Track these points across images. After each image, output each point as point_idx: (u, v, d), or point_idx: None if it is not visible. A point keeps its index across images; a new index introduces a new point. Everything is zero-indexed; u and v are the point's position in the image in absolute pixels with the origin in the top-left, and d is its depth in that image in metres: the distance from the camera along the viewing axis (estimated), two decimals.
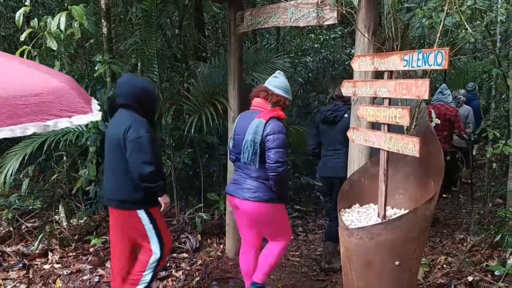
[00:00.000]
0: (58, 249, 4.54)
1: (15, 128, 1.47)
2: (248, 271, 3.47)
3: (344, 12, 3.26)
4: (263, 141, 3.14)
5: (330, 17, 3.38)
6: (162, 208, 3.29)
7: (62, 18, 3.56)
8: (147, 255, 3.26)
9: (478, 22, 5.58)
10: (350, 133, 2.96)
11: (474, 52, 8.26)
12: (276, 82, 3.43)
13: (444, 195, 6.08)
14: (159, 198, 3.23)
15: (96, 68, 4.55)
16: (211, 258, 4.49)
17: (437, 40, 3.60)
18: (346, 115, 4.02)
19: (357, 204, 2.96)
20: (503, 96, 6.60)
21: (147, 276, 3.28)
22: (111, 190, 3.25)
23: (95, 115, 1.66)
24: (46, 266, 4.23)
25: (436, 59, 2.30)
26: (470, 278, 3.58)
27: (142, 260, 3.28)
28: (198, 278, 4.05)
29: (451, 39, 4.75)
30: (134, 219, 3.21)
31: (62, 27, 3.54)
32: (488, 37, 5.71)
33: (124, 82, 3.32)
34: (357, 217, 2.77)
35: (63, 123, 1.61)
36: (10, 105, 1.47)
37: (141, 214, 3.20)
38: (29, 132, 1.51)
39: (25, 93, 1.54)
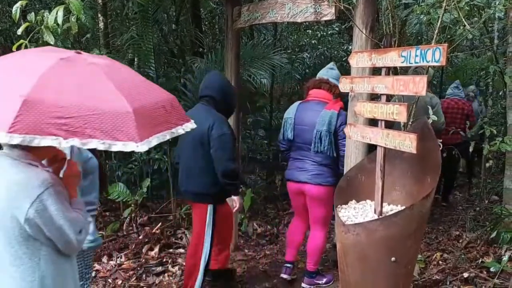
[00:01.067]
0: None
1: (159, 135, 1.62)
2: (293, 242, 3.88)
3: (342, 8, 3.26)
4: (336, 130, 3.45)
5: (328, 12, 3.37)
6: (237, 208, 3.45)
7: (59, 12, 3.53)
8: (197, 253, 3.39)
9: (476, 18, 5.58)
10: (347, 130, 2.96)
11: (471, 49, 8.25)
12: (334, 74, 3.72)
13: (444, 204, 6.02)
14: (235, 197, 3.39)
15: None
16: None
17: (435, 36, 3.60)
18: None
19: (354, 200, 2.97)
20: (500, 93, 6.61)
21: (200, 275, 3.40)
22: (189, 183, 3.37)
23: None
24: None
25: (434, 55, 2.30)
26: (465, 275, 3.60)
27: (195, 257, 3.41)
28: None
29: (449, 36, 4.74)
30: (203, 212, 3.34)
31: (60, 21, 3.50)
32: (486, 34, 5.72)
33: (211, 77, 3.52)
34: (353, 213, 2.77)
35: (179, 130, 1.77)
36: (149, 116, 1.63)
37: (210, 208, 3.33)
38: (164, 139, 1.65)
39: (154, 104, 1.70)
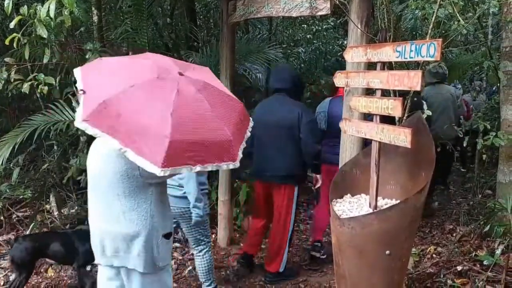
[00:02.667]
0: None
1: (241, 147, 2.07)
2: (320, 223, 4.29)
3: (337, 2, 3.25)
4: None
5: (323, 7, 3.37)
6: (319, 184, 3.93)
7: (51, 5, 3.50)
8: (286, 229, 3.80)
9: (470, 14, 5.60)
10: (342, 124, 2.97)
11: (466, 44, 8.28)
12: None
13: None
14: (318, 176, 3.92)
15: (86, 56, 4.50)
16: None
17: (429, 31, 3.61)
18: None
19: (349, 194, 2.98)
20: (494, 88, 6.65)
21: (286, 251, 3.86)
22: (275, 167, 3.69)
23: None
24: None
25: (429, 50, 2.31)
26: (459, 268, 3.63)
27: (283, 233, 3.82)
28: (190, 268, 4.06)
29: (443, 31, 4.76)
30: (290, 193, 3.76)
31: (52, 14, 3.48)
32: (480, 29, 5.74)
33: (282, 71, 4.00)
34: (348, 207, 2.78)
35: (247, 133, 2.20)
36: (237, 133, 2.08)
37: (296, 189, 3.78)
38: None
39: (238, 121, 2.12)
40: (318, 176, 3.94)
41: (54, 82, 4.16)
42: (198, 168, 1.90)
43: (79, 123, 1.88)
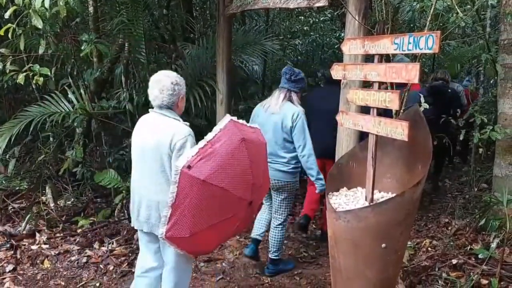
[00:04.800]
0: (46, 230, 4.52)
1: None
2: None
3: None
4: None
5: None
6: None
7: None
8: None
9: (468, 6, 5.57)
10: (339, 117, 2.96)
11: (463, 37, 8.26)
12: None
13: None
14: None
15: (82, 47, 4.46)
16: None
17: (427, 23, 3.59)
18: None
19: (345, 188, 2.97)
20: (491, 81, 6.64)
21: None
22: (325, 144, 3.97)
23: None
24: (34, 247, 4.22)
25: (427, 42, 2.29)
26: (454, 261, 3.64)
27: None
28: None
29: (441, 24, 4.74)
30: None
31: (47, 5, 3.44)
32: (478, 22, 5.72)
33: None
34: (344, 200, 2.78)
35: None
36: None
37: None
38: None
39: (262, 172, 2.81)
40: None
41: (49, 73, 4.12)
42: None
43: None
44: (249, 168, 2.52)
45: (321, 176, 3.67)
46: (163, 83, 2.68)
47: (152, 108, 2.76)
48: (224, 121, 2.53)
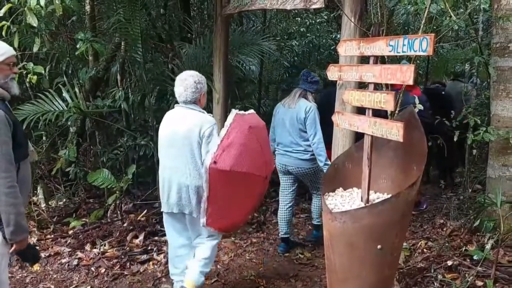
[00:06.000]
0: (36, 231, 4.47)
1: None
2: None
3: None
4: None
5: (317, 0, 3.37)
6: None
7: None
8: None
9: (461, 10, 5.61)
10: (335, 117, 2.97)
11: (456, 40, 8.31)
12: None
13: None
14: None
15: (78, 46, 4.44)
16: None
17: (421, 26, 3.61)
18: None
19: (341, 188, 2.98)
20: (484, 84, 6.68)
21: None
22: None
23: None
24: None
25: (421, 45, 2.31)
26: (449, 263, 3.65)
27: None
28: None
29: (435, 27, 4.77)
30: None
31: (43, 3, 3.42)
32: (471, 25, 5.75)
33: None
34: (340, 201, 2.78)
35: None
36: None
37: None
38: None
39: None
40: None
41: (43, 72, 4.10)
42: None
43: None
44: (260, 149, 3.02)
45: (329, 162, 3.98)
46: (187, 82, 3.07)
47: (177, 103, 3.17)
48: (231, 116, 2.96)
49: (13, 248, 2.45)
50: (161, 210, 3.27)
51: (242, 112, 3.05)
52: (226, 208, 3.00)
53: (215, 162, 2.81)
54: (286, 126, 4.21)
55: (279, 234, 4.45)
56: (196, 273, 3.19)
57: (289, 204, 4.42)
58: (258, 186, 3.13)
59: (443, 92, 6.03)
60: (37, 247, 4.20)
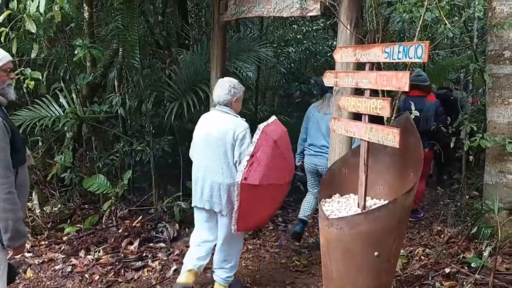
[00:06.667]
0: (30, 238, 4.42)
1: None
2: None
3: (327, 4, 3.27)
4: (437, 113, 5.18)
5: (314, 8, 3.39)
6: None
7: (42, 0, 3.46)
8: None
9: (456, 18, 5.66)
10: (331, 123, 2.98)
11: (451, 47, 8.37)
12: (421, 79, 5.22)
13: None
14: None
15: (75, 52, 4.45)
16: (188, 248, 4.46)
17: (417, 34, 3.64)
18: None
19: (338, 194, 2.98)
20: (480, 91, 6.71)
21: None
22: None
23: None
24: (16, 255, 4.14)
25: (416, 52, 2.33)
26: (447, 270, 3.61)
27: None
28: (175, 267, 4.01)
29: (430, 34, 4.80)
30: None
31: (42, 9, 3.43)
32: (466, 33, 5.79)
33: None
34: (337, 207, 2.79)
35: None
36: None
37: None
38: None
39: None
40: None
41: (41, 77, 4.10)
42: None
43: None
44: (284, 159, 3.27)
45: None
46: (224, 86, 3.35)
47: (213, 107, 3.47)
48: (258, 131, 3.16)
49: (11, 254, 2.45)
50: (192, 205, 3.50)
51: (265, 122, 3.26)
52: (254, 215, 3.31)
53: (245, 178, 3.07)
54: (321, 130, 4.34)
55: (299, 216, 4.59)
56: (221, 282, 3.50)
57: (313, 202, 4.60)
58: (281, 191, 3.44)
59: (452, 97, 6.29)
60: (30, 253, 4.19)
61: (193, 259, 3.52)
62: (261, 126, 3.22)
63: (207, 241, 3.53)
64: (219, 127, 3.27)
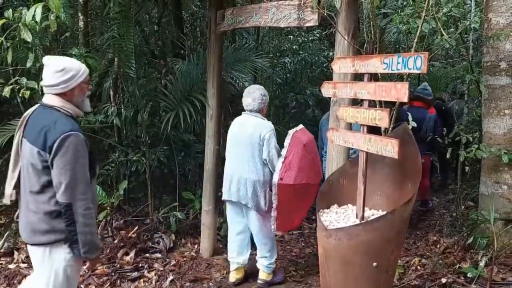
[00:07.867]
0: (25, 248, 4.35)
1: None
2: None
3: (325, 14, 3.28)
4: (436, 124, 5.56)
5: (311, 19, 3.39)
6: None
7: (38, 9, 3.44)
8: None
9: (452, 29, 5.71)
10: (329, 134, 2.97)
11: (447, 58, 8.44)
12: (426, 92, 5.72)
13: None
14: None
15: None
16: (185, 259, 4.43)
17: (414, 45, 3.67)
18: None
19: (336, 205, 2.97)
20: (476, 101, 6.76)
21: None
22: None
23: None
24: (11, 266, 4.08)
25: (416, 63, 2.34)
26: (443, 280, 3.62)
27: None
28: (171, 278, 3.98)
29: (426, 45, 4.84)
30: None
31: (38, 18, 3.41)
32: (462, 44, 5.85)
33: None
34: (335, 218, 2.77)
35: None
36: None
37: None
38: None
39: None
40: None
41: (36, 87, 4.07)
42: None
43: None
44: (312, 161, 3.59)
45: None
46: (254, 94, 3.71)
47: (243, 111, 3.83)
48: (289, 136, 3.54)
49: (87, 265, 2.54)
50: (222, 198, 3.91)
51: (294, 129, 3.61)
52: (290, 213, 3.65)
53: (281, 179, 3.44)
54: None
55: None
56: (265, 270, 3.89)
57: None
58: (313, 191, 3.66)
59: (443, 108, 6.53)
60: (25, 264, 4.13)
61: (234, 257, 3.94)
62: (291, 132, 3.58)
63: (239, 232, 3.92)
64: (248, 129, 3.67)
